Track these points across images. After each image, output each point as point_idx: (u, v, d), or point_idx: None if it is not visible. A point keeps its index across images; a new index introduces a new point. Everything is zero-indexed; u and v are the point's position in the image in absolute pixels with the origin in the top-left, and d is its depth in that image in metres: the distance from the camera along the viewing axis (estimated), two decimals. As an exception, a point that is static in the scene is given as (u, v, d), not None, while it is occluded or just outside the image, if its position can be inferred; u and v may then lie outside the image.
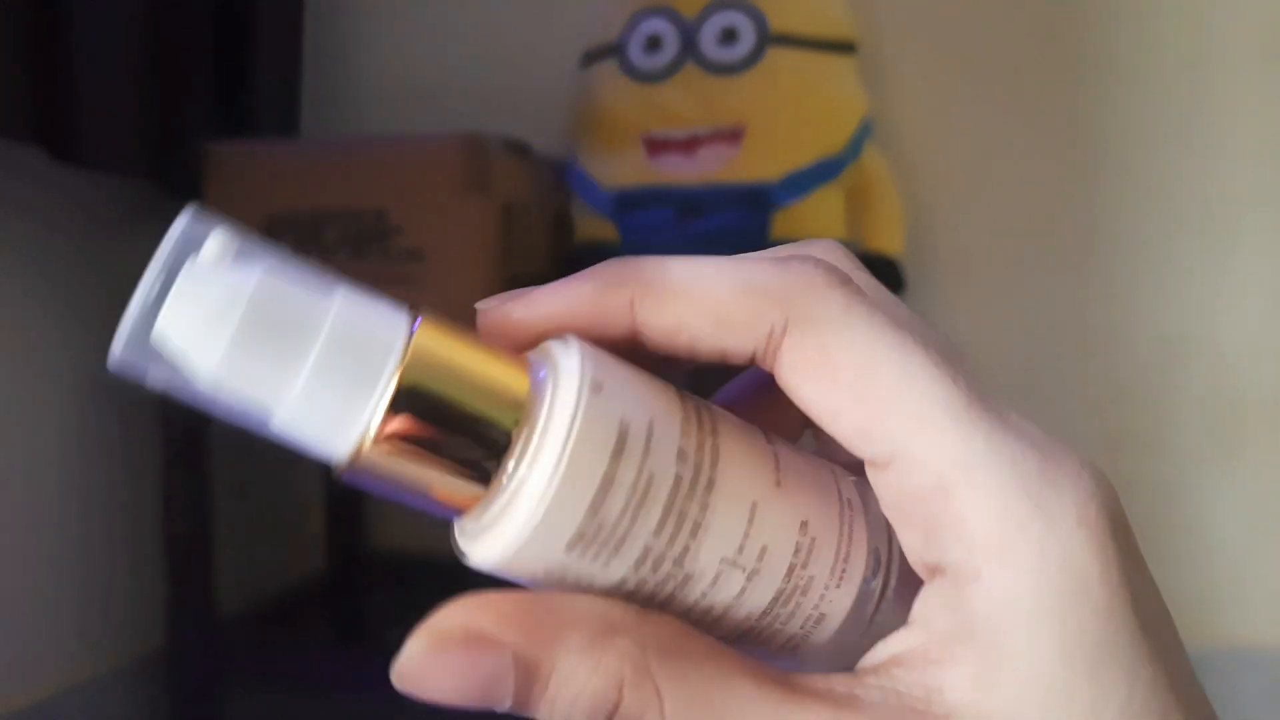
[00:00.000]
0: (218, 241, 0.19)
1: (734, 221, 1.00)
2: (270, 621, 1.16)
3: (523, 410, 0.18)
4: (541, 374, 0.18)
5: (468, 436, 0.18)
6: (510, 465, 0.18)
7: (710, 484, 0.18)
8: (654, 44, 1.07)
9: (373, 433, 0.17)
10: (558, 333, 0.19)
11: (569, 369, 0.17)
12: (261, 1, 1.17)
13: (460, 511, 0.19)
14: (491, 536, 0.19)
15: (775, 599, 0.19)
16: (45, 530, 1.00)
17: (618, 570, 0.18)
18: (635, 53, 1.08)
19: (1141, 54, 1.11)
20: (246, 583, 1.20)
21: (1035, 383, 1.14)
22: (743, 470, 0.18)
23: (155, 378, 0.19)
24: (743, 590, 0.18)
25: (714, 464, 0.18)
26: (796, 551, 0.19)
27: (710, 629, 0.19)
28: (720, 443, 0.18)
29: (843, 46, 1.08)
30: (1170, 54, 1.10)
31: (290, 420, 0.18)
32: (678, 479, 0.17)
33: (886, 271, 1.09)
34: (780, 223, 1.02)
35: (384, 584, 1.28)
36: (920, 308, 1.16)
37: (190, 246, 0.19)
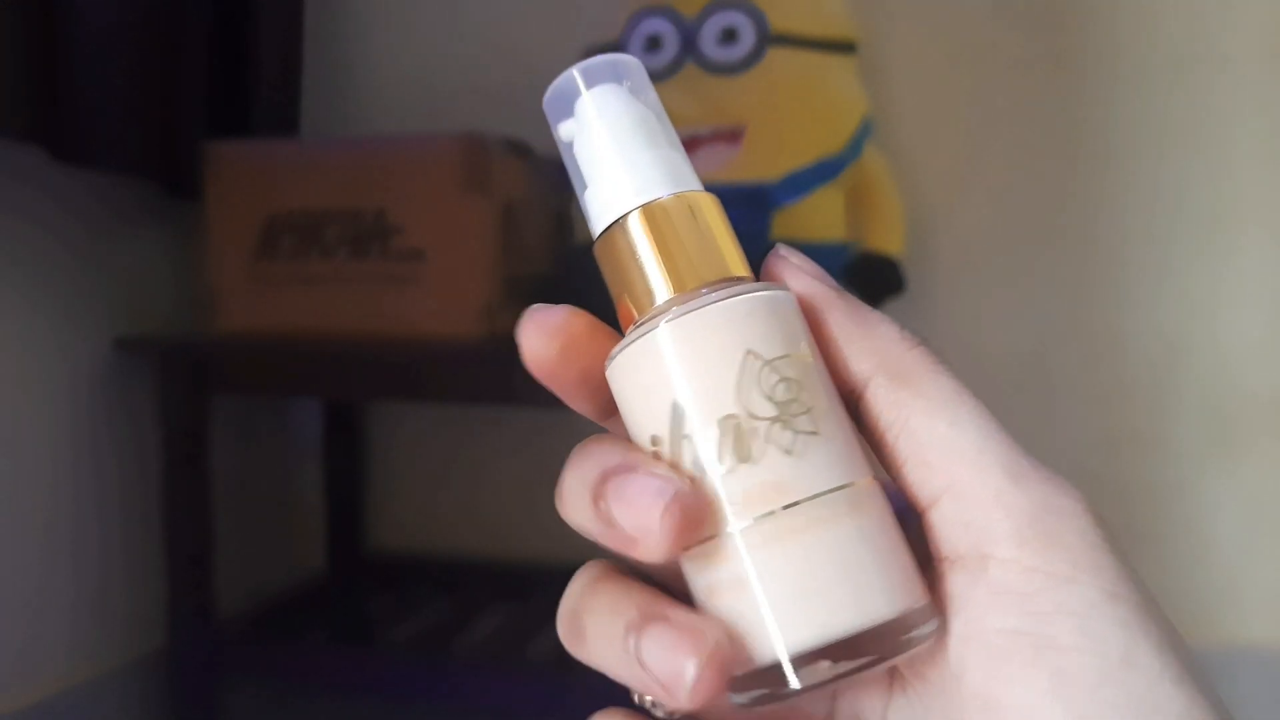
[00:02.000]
0: (633, 79, 0.25)
1: (734, 221, 1.00)
2: (270, 621, 1.16)
3: (714, 282, 0.22)
4: (743, 284, 0.23)
5: (672, 263, 0.22)
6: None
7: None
8: (654, 44, 1.07)
9: (633, 213, 0.23)
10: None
11: (740, 297, 0.22)
12: (261, 1, 1.17)
13: (636, 308, 0.23)
14: (644, 327, 0.22)
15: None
16: (45, 530, 1.00)
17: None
18: (635, 52, 1.08)
19: (1142, 54, 1.10)
20: (246, 583, 1.20)
21: (1035, 382, 1.14)
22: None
23: (557, 127, 0.25)
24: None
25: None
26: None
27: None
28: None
29: (843, 46, 1.08)
30: (1171, 54, 1.10)
31: (599, 191, 0.24)
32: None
33: (886, 271, 1.09)
34: (780, 223, 1.02)
35: (384, 584, 1.28)
36: (920, 308, 1.17)
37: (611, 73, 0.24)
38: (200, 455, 1.05)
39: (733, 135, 1.03)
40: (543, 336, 0.22)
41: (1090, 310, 1.13)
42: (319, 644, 1.13)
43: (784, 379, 0.21)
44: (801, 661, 0.20)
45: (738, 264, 0.23)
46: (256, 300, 1.05)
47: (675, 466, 0.21)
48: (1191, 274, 1.10)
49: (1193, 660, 0.20)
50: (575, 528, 0.22)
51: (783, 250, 0.24)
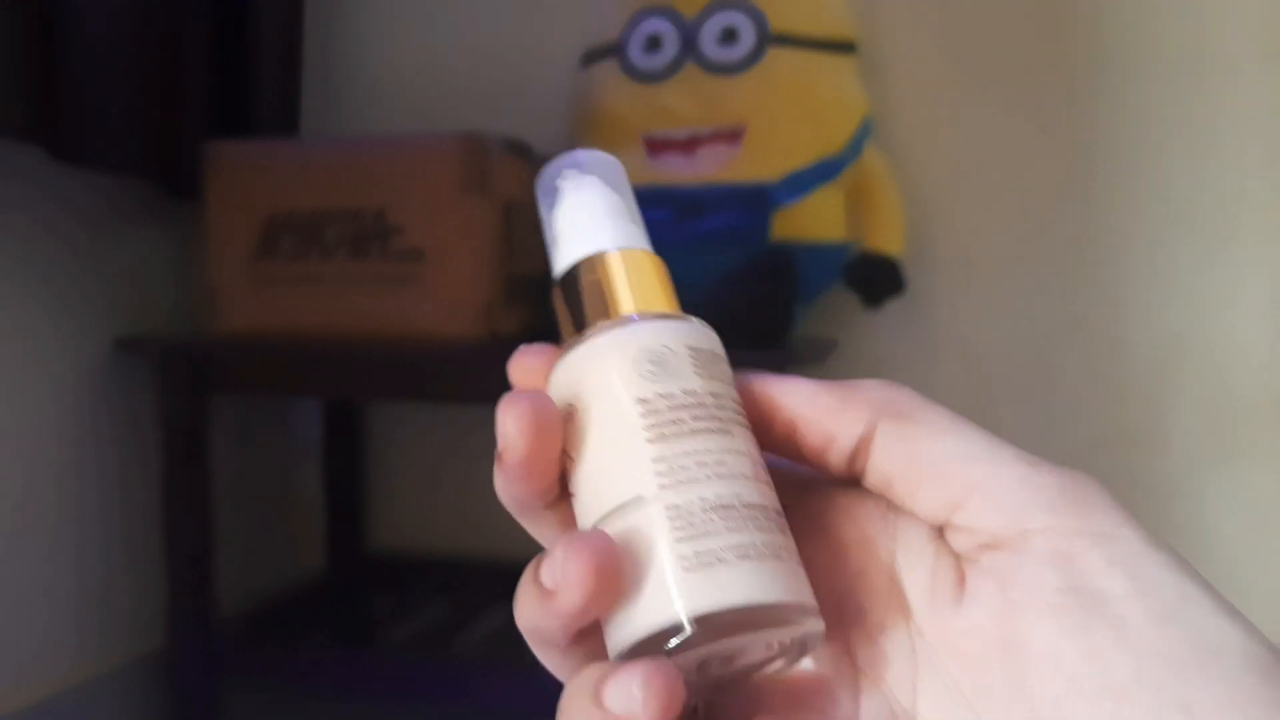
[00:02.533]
0: (616, 177, 0.29)
1: (734, 221, 1.00)
2: (269, 621, 1.16)
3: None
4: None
5: (619, 296, 0.26)
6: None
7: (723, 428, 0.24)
8: (654, 44, 1.07)
9: (587, 257, 0.27)
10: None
11: (690, 322, 0.26)
12: (261, 2, 1.17)
13: (575, 330, 0.26)
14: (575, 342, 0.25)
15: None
16: (45, 530, 1.00)
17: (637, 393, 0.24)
18: (635, 52, 1.08)
19: (1141, 54, 1.10)
20: (246, 583, 1.20)
21: (1035, 382, 1.14)
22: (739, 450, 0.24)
23: (542, 188, 0.29)
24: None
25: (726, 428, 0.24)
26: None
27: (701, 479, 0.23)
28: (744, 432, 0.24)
29: (843, 46, 1.08)
30: (1170, 54, 1.10)
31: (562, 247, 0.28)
32: (703, 402, 0.24)
33: (886, 271, 1.09)
34: (780, 223, 1.02)
35: (383, 584, 1.28)
36: (920, 307, 1.17)
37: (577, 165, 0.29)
38: (200, 455, 1.05)
39: (733, 135, 1.03)
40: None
41: (1090, 310, 1.13)
42: (319, 644, 1.12)
43: (698, 380, 0.24)
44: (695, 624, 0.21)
45: (673, 309, 0.26)
46: (256, 300, 1.05)
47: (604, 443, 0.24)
48: (1191, 274, 1.10)
49: (1232, 605, 0.21)
50: (525, 633, 0.25)
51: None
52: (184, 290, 1.16)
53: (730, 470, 0.23)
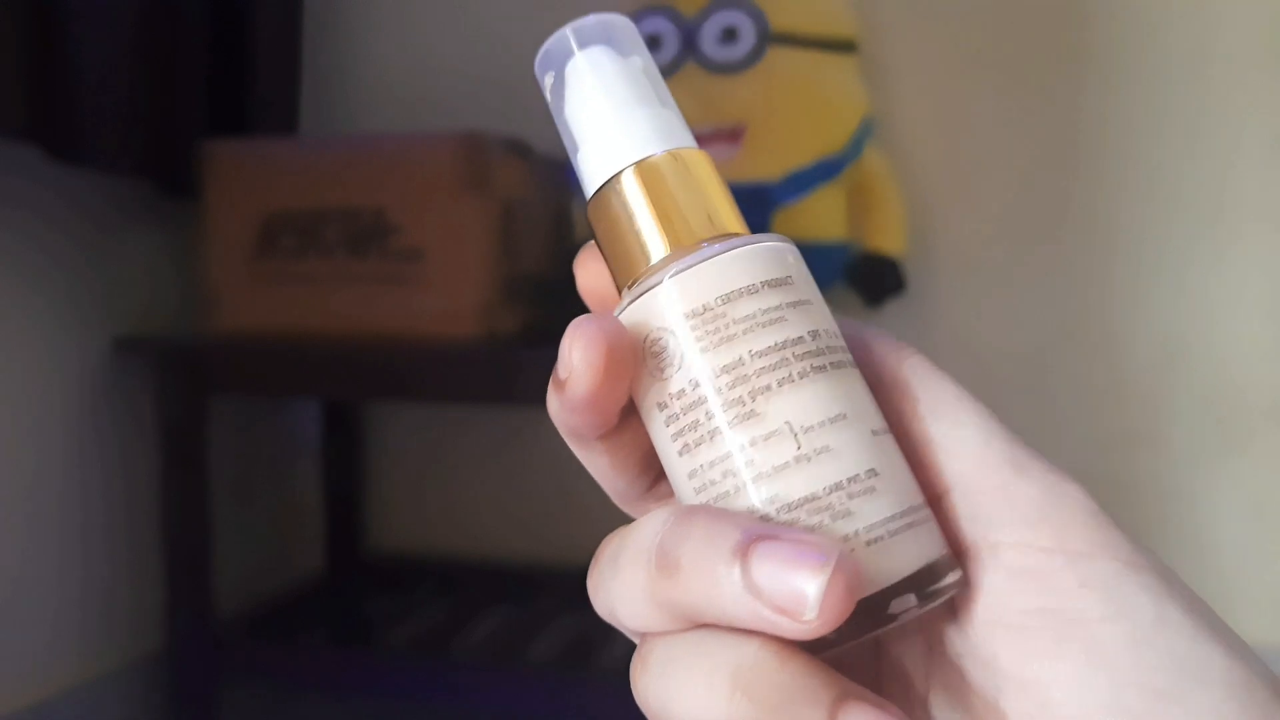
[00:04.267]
0: (624, 39, 0.25)
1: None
2: (269, 622, 1.16)
3: (716, 237, 0.22)
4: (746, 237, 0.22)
5: (673, 217, 0.22)
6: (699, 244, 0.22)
7: (824, 368, 0.21)
8: (654, 43, 1.07)
9: (627, 170, 0.23)
10: None
11: (760, 244, 0.22)
12: (260, 0, 1.17)
13: (633, 268, 0.22)
14: (647, 283, 0.21)
15: (805, 500, 0.20)
16: (45, 531, 0.99)
17: (707, 364, 0.20)
18: (635, 52, 1.08)
19: (1143, 53, 1.10)
20: (245, 583, 1.19)
21: (1035, 382, 1.14)
22: (860, 393, 0.21)
23: (547, 84, 0.25)
24: (784, 467, 0.20)
25: (839, 365, 0.21)
26: (852, 480, 0.20)
27: (732, 491, 0.20)
28: (855, 371, 0.21)
29: (843, 45, 1.08)
30: (1172, 53, 1.09)
31: (593, 144, 0.23)
32: (801, 339, 0.21)
33: (887, 271, 1.09)
34: (781, 222, 1.01)
35: (383, 585, 1.28)
36: (921, 307, 1.16)
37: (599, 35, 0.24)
38: (199, 455, 1.05)
39: (733, 134, 1.03)
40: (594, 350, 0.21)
41: (1090, 310, 1.13)
42: (318, 645, 1.12)
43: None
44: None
45: (734, 220, 0.23)
46: (255, 300, 1.05)
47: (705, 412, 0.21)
48: (1191, 273, 1.10)
49: (1220, 620, 0.20)
50: (560, 430, 0.22)
51: None
52: (182, 290, 1.16)
53: (860, 410, 0.20)
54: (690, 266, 0.21)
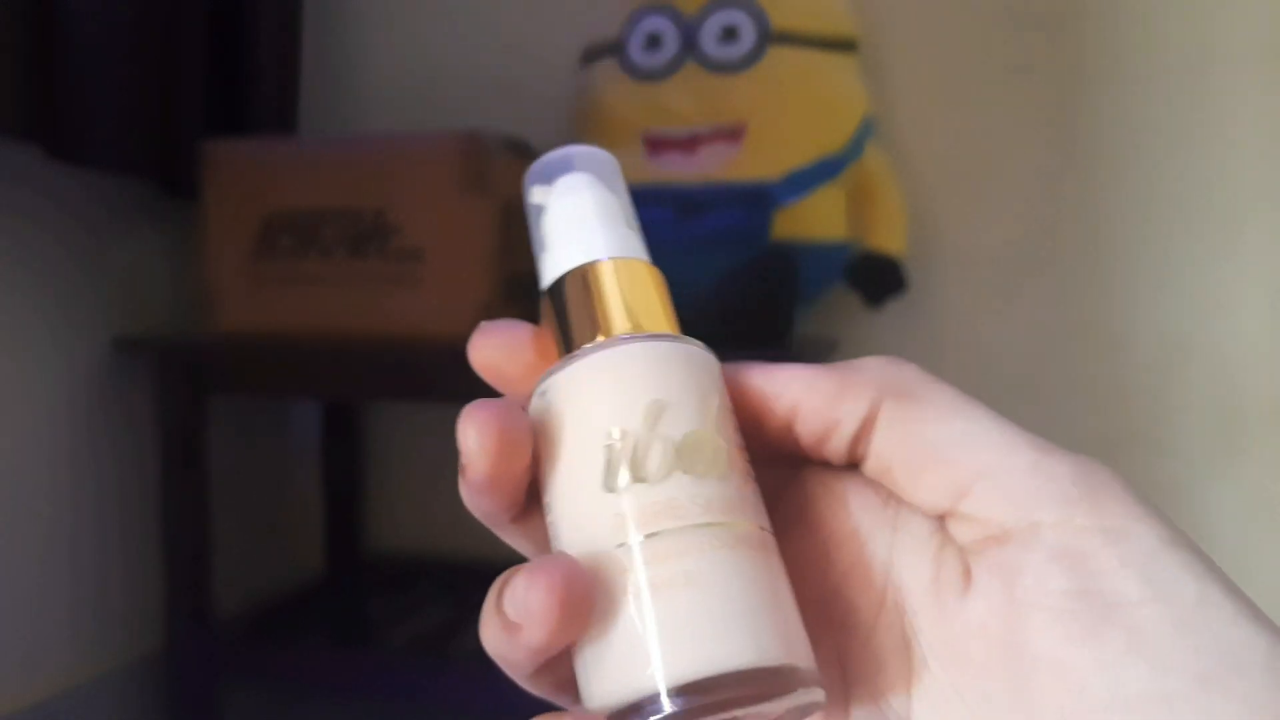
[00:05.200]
0: (609, 172, 0.27)
1: (734, 220, 1.00)
2: (268, 623, 1.16)
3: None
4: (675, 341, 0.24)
5: (612, 311, 0.24)
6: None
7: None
8: (654, 42, 1.07)
9: (588, 263, 0.25)
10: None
11: (694, 345, 0.24)
12: (260, 0, 1.17)
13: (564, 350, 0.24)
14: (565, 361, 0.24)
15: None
16: (45, 531, 0.99)
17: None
18: (635, 51, 1.08)
19: (1143, 53, 1.10)
20: (245, 584, 1.19)
21: (1036, 382, 1.14)
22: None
23: (533, 193, 0.27)
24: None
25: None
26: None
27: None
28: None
29: (844, 45, 1.08)
30: (1172, 53, 1.09)
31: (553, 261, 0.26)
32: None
33: (888, 271, 1.09)
34: (781, 222, 1.01)
35: (382, 585, 1.28)
36: (922, 307, 1.16)
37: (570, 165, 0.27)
38: (198, 456, 1.05)
39: (733, 134, 1.03)
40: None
41: (1092, 310, 1.12)
42: (317, 645, 1.12)
43: (734, 424, 0.23)
44: (675, 692, 0.20)
45: (668, 325, 0.25)
46: (255, 300, 1.04)
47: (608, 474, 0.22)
48: (1194, 274, 1.09)
49: (1253, 603, 0.19)
50: (495, 656, 0.23)
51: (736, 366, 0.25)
52: (182, 290, 1.16)
53: (716, 509, 0.21)
54: (635, 341, 0.23)
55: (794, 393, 0.23)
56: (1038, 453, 0.21)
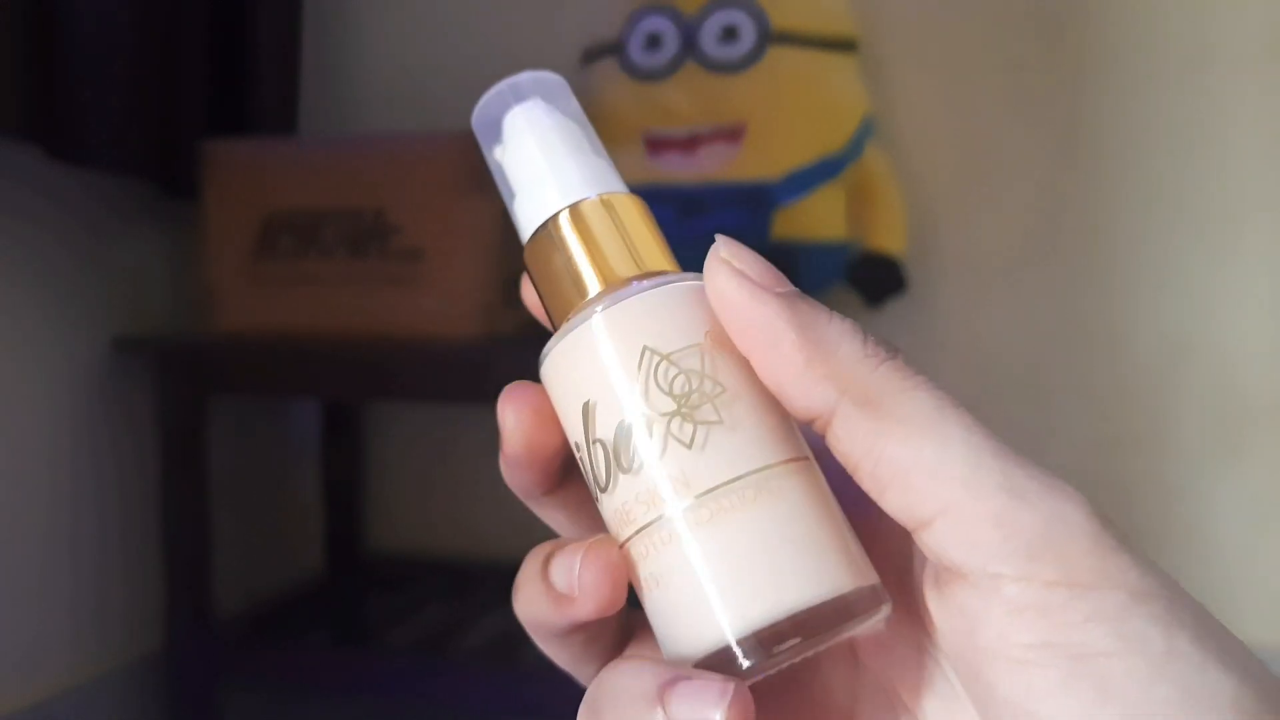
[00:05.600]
0: (558, 94, 0.26)
1: (734, 220, 1.00)
2: (268, 622, 1.16)
3: (633, 279, 0.23)
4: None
5: (586, 266, 0.23)
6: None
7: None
8: (654, 42, 1.07)
9: (555, 216, 0.24)
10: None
11: (638, 295, 0.23)
12: (260, 0, 1.17)
13: (566, 306, 0.24)
14: (576, 319, 0.23)
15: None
16: (44, 531, 0.99)
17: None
18: (635, 51, 1.08)
19: (1143, 53, 1.10)
20: (245, 583, 1.19)
21: (1036, 382, 1.14)
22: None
23: (483, 138, 0.26)
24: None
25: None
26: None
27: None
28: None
29: (844, 45, 1.08)
30: (1172, 53, 1.09)
31: (528, 194, 0.25)
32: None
33: (888, 271, 1.09)
34: (781, 222, 1.01)
35: (383, 585, 1.28)
36: (922, 307, 1.16)
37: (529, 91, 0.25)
38: (198, 455, 1.05)
39: (733, 134, 1.03)
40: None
41: (1092, 310, 1.12)
42: (317, 645, 1.12)
43: (682, 372, 0.22)
44: (746, 643, 0.20)
45: (664, 260, 0.24)
46: (254, 300, 1.04)
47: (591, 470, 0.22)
48: (1194, 274, 1.09)
49: (1233, 641, 0.19)
50: (527, 621, 0.24)
51: (723, 250, 0.23)
52: (182, 290, 1.16)
53: (750, 457, 0.21)
54: (618, 302, 0.22)
55: (750, 339, 0.22)
56: (1005, 495, 0.20)
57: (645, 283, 0.23)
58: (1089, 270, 1.12)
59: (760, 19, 1.04)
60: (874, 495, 0.21)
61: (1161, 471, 1.11)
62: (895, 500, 0.21)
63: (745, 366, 0.22)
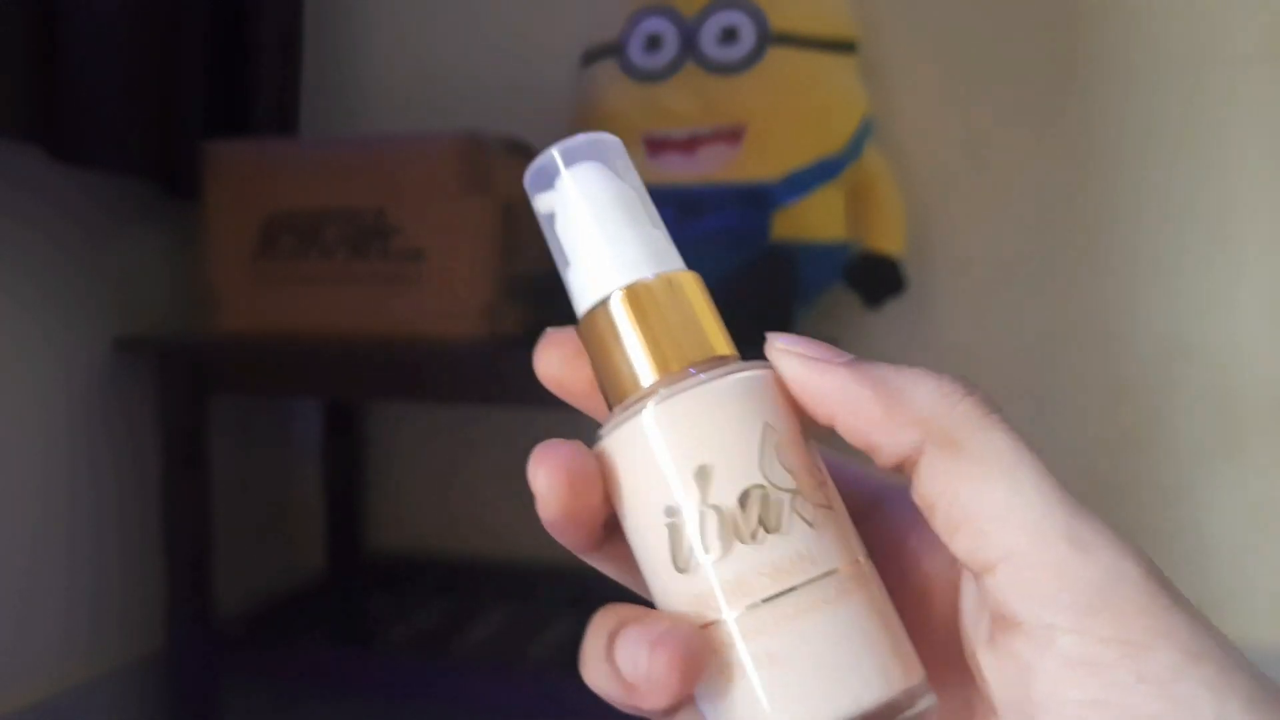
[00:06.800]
0: (615, 158, 0.25)
1: (734, 221, 1.00)
2: (269, 622, 1.16)
3: (706, 362, 0.23)
4: (736, 364, 0.23)
5: (662, 343, 0.23)
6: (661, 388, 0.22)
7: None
8: (654, 43, 1.07)
9: (620, 292, 0.23)
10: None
11: (745, 374, 0.22)
12: (261, 1, 1.17)
13: (621, 389, 0.23)
14: (631, 408, 0.22)
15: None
16: (45, 530, 0.99)
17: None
18: (635, 52, 1.08)
19: (1142, 54, 1.10)
20: (246, 583, 1.19)
21: (1036, 383, 1.14)
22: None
23: (539, 201, 0.25)
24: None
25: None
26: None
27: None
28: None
29: (843, 46, 1.08)
30: (1171, 53, 1.09)
31: (585, 270, 0.24)
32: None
33: (887, 271, 1.09)
34: (781, 222, 1.01)
35: (383, 585, 1.28)
36: (921, 308, 1.16)
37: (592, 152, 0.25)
38: (199, 456, 1.05)
39: (733, 135, 1.03)
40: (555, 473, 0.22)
41: (1092, 310, 1.13)
42: (318, 645, 1.12)
43: (796, 455, 0.22)
44: None
45: (721, 343, 0.24)
46: (256, 300, 1.05)
47: (692, 546, 0.21)
48: (1194, 274, 1.10)
49: None
50: (598, 692, 0.23)
51: (780, 343, 0.23)
52: (183, 290, 1.16)
53: (788, 570, 0.21)
54: (673, 395, 0.22)
55: (830, 406, 0.22)
56: (1069, 546, 0.20)
57: (715, 368, 0.22)
58: (1088, 270, 1.12)
59: (760, 20, 1.04)
60: (946, 539, 0.21)
61: (1160, 472, 1.11)
62: (964, 544, 0.21)
63: (807, 463, 0.22)
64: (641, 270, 0.23)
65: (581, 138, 0.24)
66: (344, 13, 1.32)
